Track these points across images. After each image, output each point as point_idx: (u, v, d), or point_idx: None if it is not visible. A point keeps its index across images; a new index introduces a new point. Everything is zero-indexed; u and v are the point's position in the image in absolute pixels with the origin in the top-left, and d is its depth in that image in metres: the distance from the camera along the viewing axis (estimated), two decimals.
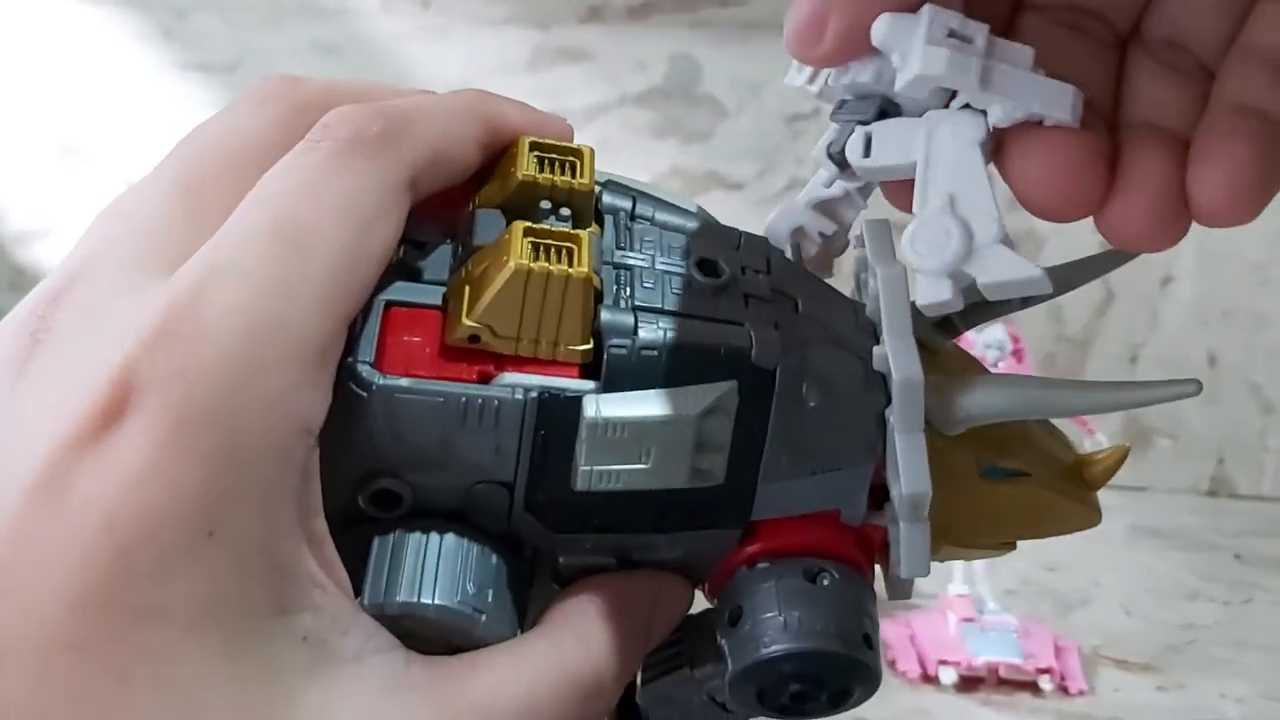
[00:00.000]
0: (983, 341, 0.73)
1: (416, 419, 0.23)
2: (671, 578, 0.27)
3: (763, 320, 0.25)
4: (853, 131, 0.24)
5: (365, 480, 0.24)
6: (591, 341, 0.24)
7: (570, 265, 0.24)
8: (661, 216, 0.27)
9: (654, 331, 0.24)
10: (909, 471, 0.24)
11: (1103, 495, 0.30)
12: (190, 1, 1.01)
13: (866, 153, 0.23)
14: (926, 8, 0.22)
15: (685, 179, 0.97)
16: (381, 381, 0.23)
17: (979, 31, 0.22)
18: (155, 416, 0.20)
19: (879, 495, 0.26)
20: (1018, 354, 0.75)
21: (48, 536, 0.20)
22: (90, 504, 0.20)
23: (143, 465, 0.20)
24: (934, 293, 0.22)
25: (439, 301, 0.24)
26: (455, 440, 0.23)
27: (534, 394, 0.23)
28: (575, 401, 0.24)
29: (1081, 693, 0.66)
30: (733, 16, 0.95)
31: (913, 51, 0.22)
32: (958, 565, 0.70)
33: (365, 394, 0.23)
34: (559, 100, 0.98)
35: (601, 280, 0.25)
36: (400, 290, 0.24)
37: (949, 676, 0.67)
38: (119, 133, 1.02)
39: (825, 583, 0.26)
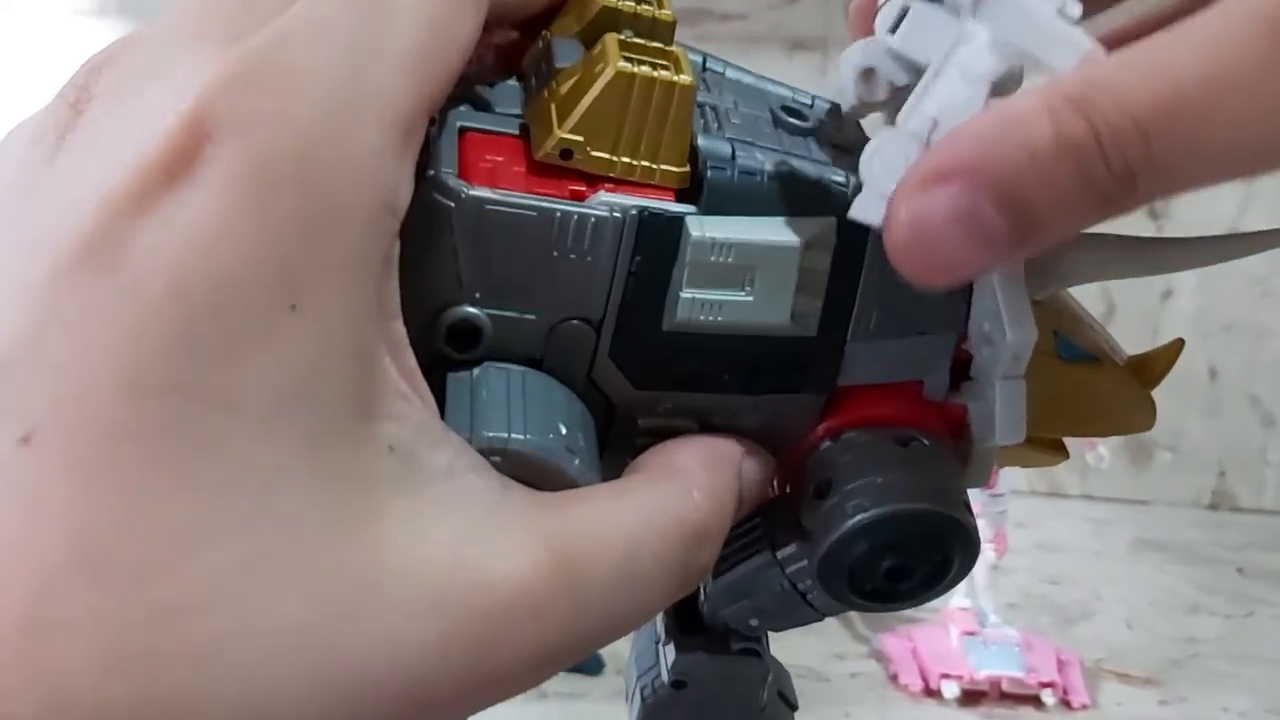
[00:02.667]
0: None
1: (506, 235, 0.21)
2: (755, 444, 0.24)
3: (852, 168, 0.23)
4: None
5: (444, 309, 0.21)
6: (688, 166, 0.22)
7: (674, 74, 0.21)
8: (733, 72, 0.26)
9: (753, 159, 0.23)
10: (1014, 317, 0.23)
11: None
12: None
13: (893, 29, 0.22)
14: None
15: None
16: (470, 192, 0.21)
17: None
18: (234, 165, 0.17)
19: (957, 375, 0.25)
20: None
21: (96, 306, 0.16)
22: (152, 267, 0.16)
23: (218, 221, 0.17)
24: (866, 212, 0.21)
25: (516, 131, 0.22)
26: (546, 264, 0.21)
27: (634, 212, 0.21)
28: (678, 222, 0.22)
29: (1084, 706, 0.66)
30: (734, 31, 0.95)
31: None
32: None
33: (451, 204, 0.21)
34: None
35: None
36: (473, 118, 0.22)
37: (951, 690, 0.67)
38: None
39: (918, 448, 0.25)
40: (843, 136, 0.24)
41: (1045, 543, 0.84)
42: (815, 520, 0.24)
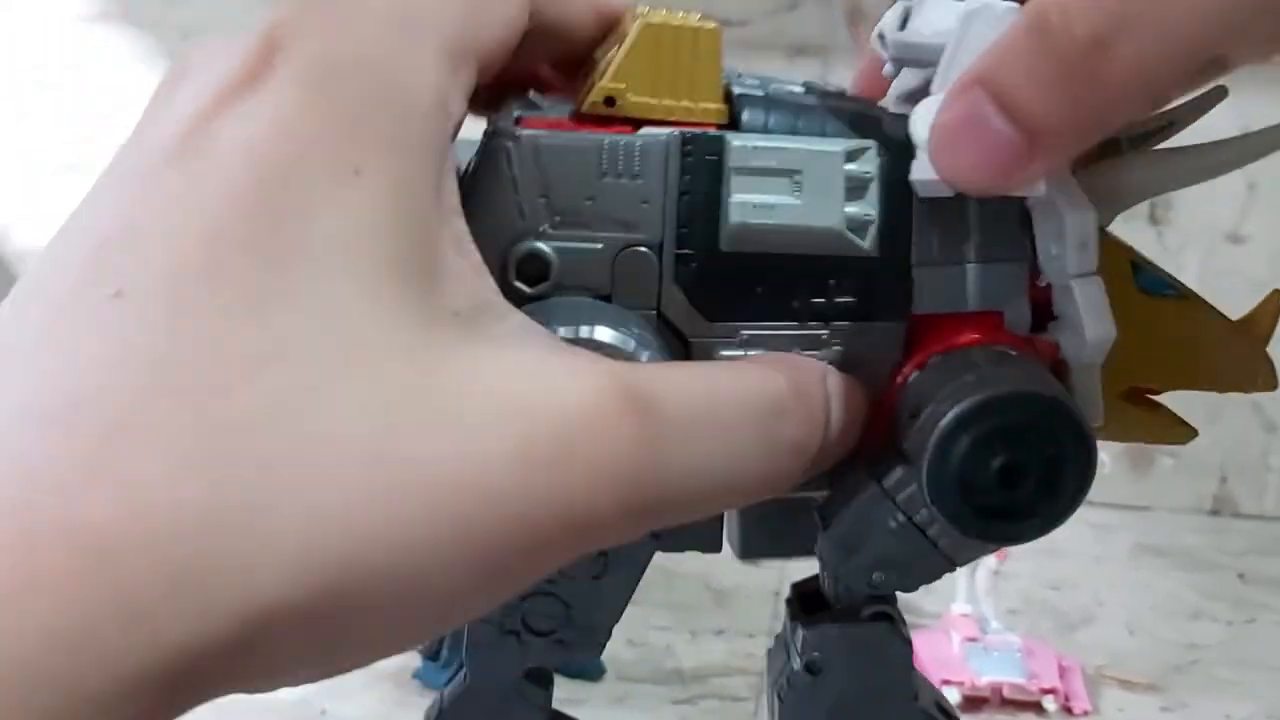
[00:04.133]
0: None
1: (563, 166, 0.23)
2: (846, 378, 0.24)
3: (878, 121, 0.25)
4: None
5: (513, 245, 0.23)
6: (726, 105, 0.24)
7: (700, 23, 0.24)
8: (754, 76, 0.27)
9: (785, 93, 0.24)
10: (1090, 314, 0.24)
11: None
12: (194, 21, 1.01)
13: (902, 27, 0.23)
14: None
15: None
16: (525, 132, 0.23)
17: None
18: (303, 64, 0.19)
19: (1044, 316, 0.25)
20: None
21: (182, 188, 0.18)
22: (231, 149, 0.19)
23: (288, 107, 0.19)
24: (924, 171, 0.22)
25: (567, 115, 0.24)
26: (601, 191, 0.23)
27: (676, 134, 0.23)
28: (718, 140, 0.23)
29: (1085, 713, 0.66)
30: (735, 37, 0.95)
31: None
32: (960, 584, 0.69)
33: (511, 143, 0.23)
34: None
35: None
36: (527, 108, 0.24)
37: (952, 697, 0.67)
38: None
39: (1008, 354, 0.24)
40: (866, 109, 0.25)
41: (1046, 548, 0.84)
42: (915, 440, 0.23)
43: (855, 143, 0.24)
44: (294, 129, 0.19)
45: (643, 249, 0.23)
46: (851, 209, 0.23)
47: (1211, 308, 0.26)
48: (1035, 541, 0.24)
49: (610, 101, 0.23)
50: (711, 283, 0.24)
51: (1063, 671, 0.68)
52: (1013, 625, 0.70)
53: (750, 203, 0.23)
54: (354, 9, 0.20)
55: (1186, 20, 0.20)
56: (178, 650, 0.16)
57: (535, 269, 0.23)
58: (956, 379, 0.23)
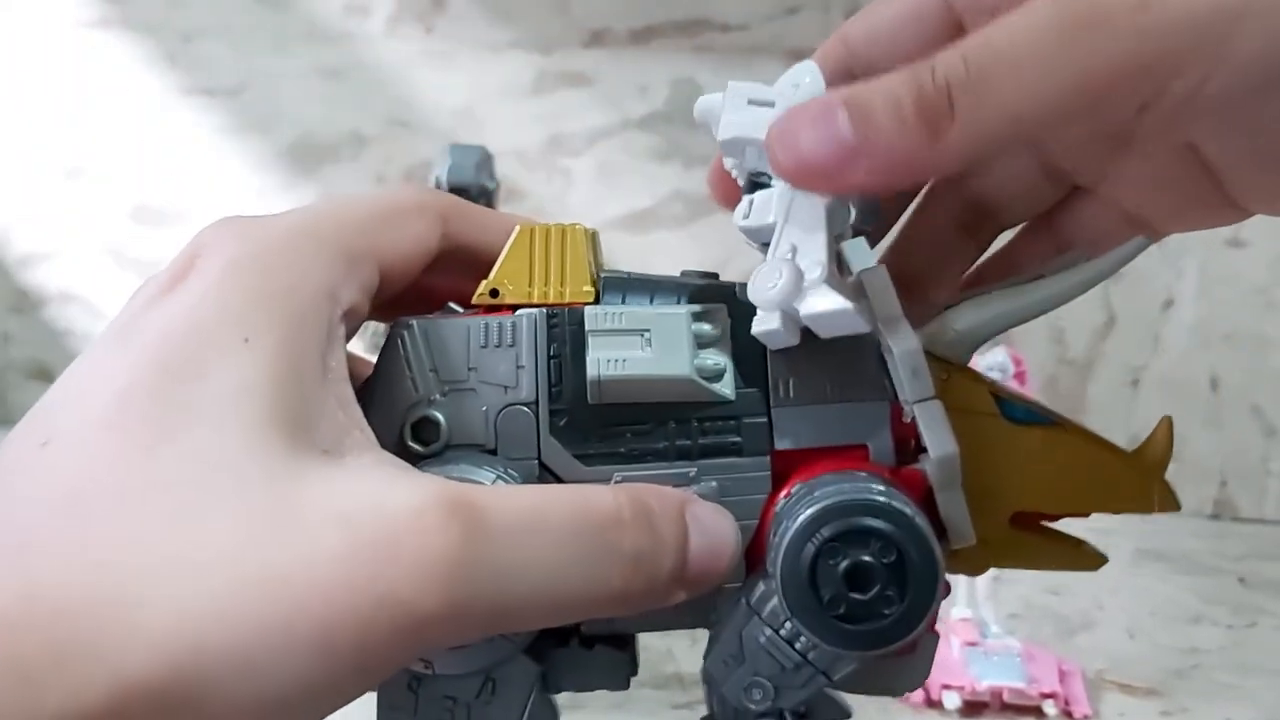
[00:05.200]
0: (984, 364, 0.73)
1: (448, 343, 0.27)
2: (712, 505, 0.26)
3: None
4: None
5: (408, 410, 0.27)
6: (594, 289, 0.28)
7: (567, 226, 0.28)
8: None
9: (648, 277, 0.28)
10: (931, 434, 0.25)
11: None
12: (196, 26, 1.01)
13: (747, 215, 0.27)
14: (729, 85, 0.27)
15: (687, 202, 0.97)
16: (418, 320, 0.27)
17: (778, 95, 0.27)
18: (213, 266, 0.24)
19: (914, 447, 0.27)
20: (1020, 376, 0.75)
21: (111, 359, 0.23)
22: (151, 330, 0.23)
23: (196, 298, 0.23)
24: (763, 323, 0.26)
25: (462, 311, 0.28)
26: (481, 360, 0.27)
27: (542, 311, 0.27)
28: (578, 312, 0.27)
29: (1086, 717, 0.66)
30: (734, 41, 0.96)
31: (717, 123, 0.27)
32: (961, 588, 0.69)
33: (405, 330, 0.27)
34: (561, 124, 0.98)
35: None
36: (444, 314, 0.29)
37: (953, 701, 0.67)
38: (123, 156, 1.03)
39: (860, 475, 0.26)
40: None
41: None
42: (771, 555, 0.25)
43: (702, 306, 0.27)
44: (197, 313, 0.23)
45: (521, 407, 0.27)
46: (702, 360, 0.27)
47: (1091, 435, 0.28)
48: None
49: (495, 294, 0.28)
50: (583, 432, 0.27)
51: (1063, 676, 0.68)
52: (1013, 630, 0.70)
53: (606, 358, 0.27)
54: (262, 224, 0.25)
55: (1012, 99, 0.23)
56: (61, 715, 0.19)
57: (428, 432, 0.27)
58: (811, 495, 0.25)
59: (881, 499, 0.25)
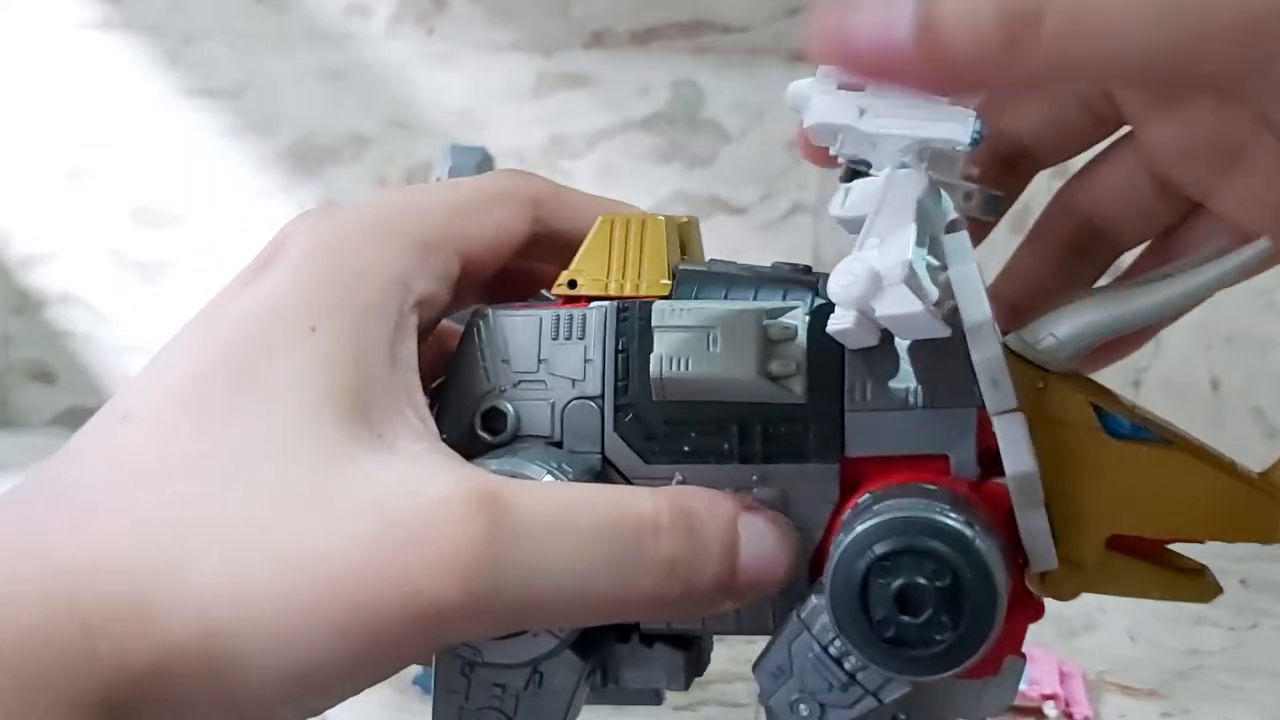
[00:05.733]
0: None
1: (520, 336, 0.27)
2: (775, 513, 0.25)
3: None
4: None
5: (480, 401, 0.27)
6: (670, 282, 0.27)
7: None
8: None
9: (729, 269, 0.27)
10: (1008, 450, 0.24)
11: None
12: (197, 27, 1.01)
13: (843, 205, 0.26)
14: (818, 71, 0.25)
15: (688, 203, 0.97)
16: (493, 311, 0.28)
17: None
18: (290, 254, 0.25)
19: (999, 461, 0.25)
20: None
21: (193, 340, 0.25)
22: (231, 316, 0.24)
23: (272, 285, 0.25)
24: (838, 321, 0.24)
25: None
26: (552, 353, 0.27)
27: (613, 304, 0.27)
28: (648, 305, 0.26)
29: (1086, 719, 0.66)
30: (735, 43, 0.96)
31: (807, 106, 0.25)
32: None
33: (481, 320, 0.27)
34: (562, 125, 0.98)
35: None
36: (538, 300, 0.29)
37: None
38: (125, 157, 1.03)
39: (932, 489, 0.24)
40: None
41: None
42: (826, 568, 0.24)
43: (776, 304, 0.26)
44: (271, 301, 0.24)
45: (587, 401, 0.27)
46: (773, 360, 0.26)
47: (1212, 457, 0.26)
48: None
49: (573, 284, 0.27)
50: (645, 430, 0.27)
51: (1064, 678, 0.68)
52: None
53: (669, 356, 0.26)
54: (340, 214, 0.26)
55: (1117, 34, 0.21)
56: (111, 666, 0.21)
57: (497, 422, 0.27)
58: (868, 510, 0.24)
59: (941, 518, 0.24)
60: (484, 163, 0.64)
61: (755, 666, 0.26)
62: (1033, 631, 0.26)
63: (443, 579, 0.22)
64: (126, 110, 1.02)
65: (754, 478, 0.26)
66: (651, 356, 0.26)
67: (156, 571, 0.22)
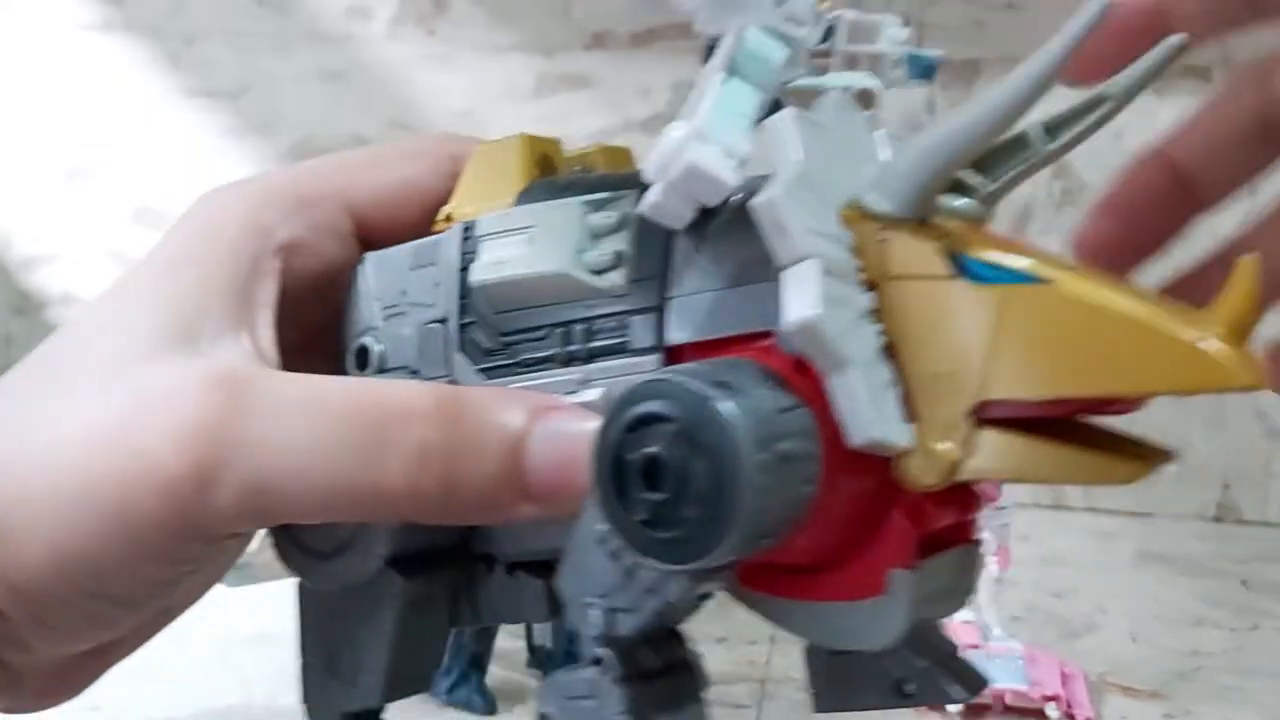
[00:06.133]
0: None
1: (387, 270, 0.27)
2: (577, 412, 0.24)
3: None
4: None
5: (355, 339, 0.28)
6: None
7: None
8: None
9: (569, 178, 0.26)
10: (785, 300, 0.20)
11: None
12: (198, 29, 1.01)
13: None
14: None
15: None
16: (373, 253, 0.28)
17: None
18: (185, 216, 0.27)
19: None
20: None
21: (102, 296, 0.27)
22: (132, 265, 0.27)
23: (163, 240, 0.27)
24: (649, 196, 0.22)
25: None
26: (410, 282, 0.27)
27: (460, 225, 0.26)
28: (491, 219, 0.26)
29: None
30: None
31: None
32: None
33: (360, 265, 0.28)
34: (563, 126, 0.98)
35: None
36: None
37: (955, 705, 0.67)
38: (125, 158, 1.03)
39: (725, 360, 0.22)
40: None
41: (1049, 556, 0.84)
42: None
43: (597, 196, 0.24)
44: (153, 254, 0.27)
45: (435, 324, 0.26)
46: (592, 253, 0.24)
47: (1112, 292, 0.20)
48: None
49: (449, 219, 0.27)
50: (483, 345, 0.26)
51: (1065, 679, 0.68)
52: (1015, 633, 0.70)
53: (492, 262, 0.25)
54: (240, 183, 0.28)
55: None
56: None
57: (362, 358, 0.28)
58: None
59: (670, 376, 0.20)
60: None
61: (555, 579, 0.23)
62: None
63: (172, 446, 0.23)
64: (127, 111, 1.02)
65: (576, 378, 0.24)
66: (474, 265, 0.25)
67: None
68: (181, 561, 0.24)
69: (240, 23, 1.01)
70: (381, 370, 0.27)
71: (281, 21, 1.00)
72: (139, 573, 0.24)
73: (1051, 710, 0.66)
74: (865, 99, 0.24)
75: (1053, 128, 0.22)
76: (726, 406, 0.20)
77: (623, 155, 0.28)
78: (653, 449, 0.21)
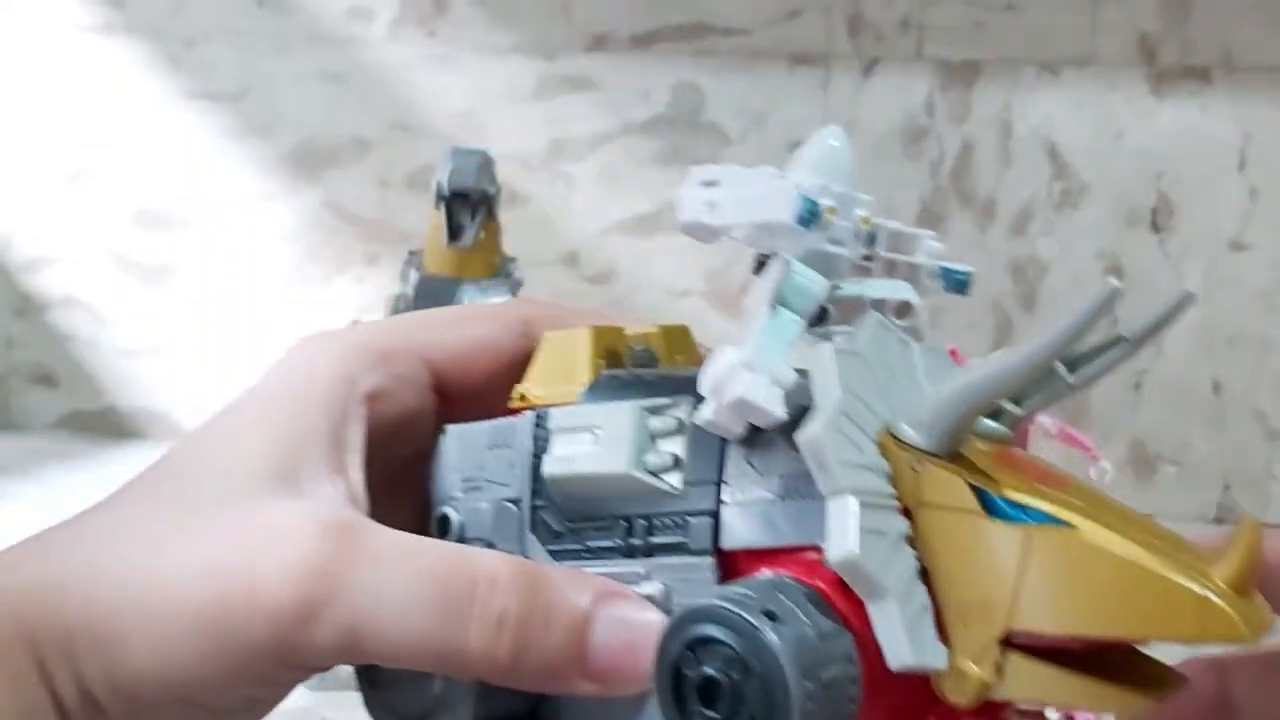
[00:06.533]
0: None
1: (467, 445, 0.30)
2: (639, 603, 0.26)
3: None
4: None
5: (437, 507, 0.30)
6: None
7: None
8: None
9: (639, 375, 0.28)
10: (829, 533, 0.22)
11: None
12: (198, 31, 1.01)
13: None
14: (689, 171, 0.26)
15: None
16: (456, 426, 0.30)
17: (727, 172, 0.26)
18: (277, 363, 0.30)
19: None
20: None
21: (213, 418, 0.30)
22: (230, 404, 0.29)
23: (258, 384, 0.29)
24: (703, 412, 0.25)
25: None
26: (488, 461, 0.29)
27: (533, 413, 0.28)
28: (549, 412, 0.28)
29: None
30: (736, 45, 0.96)
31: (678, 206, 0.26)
32: None
33: (442, 436, 0.30)
34: (563, 128, 0.98)
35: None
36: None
37: None
38: (126, 160, 1.03)
39: (767, 576, 0.24)
40: None
41: None
42: None
43: (657, 401, 0.26)
44: (250, 397, 0.29)
45: (509, 503, 0.29)
46: (653, 455, 0.26)
47: (1126, 538, 0.22)
48: None
49: (523, 398, 0.29)
50: (553, 527, 0.28)
51: None
52: None
53: (561, 457, 0.27)
54: (330, 334, 0.30)
55: None
56: (27, 640, 0.26)
57: (444, 526, 0.30)
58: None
59: (724, 604, 0.23)
60: (485, 165, 0.64)
61: None
62: None
63: (282, 578, 0.25)
64: (128, 113, 1.02)
65: (640, 572, 0.26)
66: (546, 456, 0.27)
67: (77, 574, 0.26)
68: (274, 684, 0.27)
69: (240, 24, 1.01)
70: (461, 539, 0.29)
71: (282, 23, 1.01)
72: (236, 690, 0.26)
73: (1052, 712, 0.66)
74: (903, 310, 0.27)
75: (1073, 363, 0.24)
76: (772, 640, 0.22)
77: (682, 335, 0.31)
78: (710, 670, 0.23)
